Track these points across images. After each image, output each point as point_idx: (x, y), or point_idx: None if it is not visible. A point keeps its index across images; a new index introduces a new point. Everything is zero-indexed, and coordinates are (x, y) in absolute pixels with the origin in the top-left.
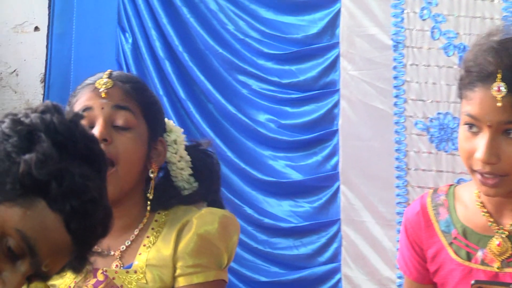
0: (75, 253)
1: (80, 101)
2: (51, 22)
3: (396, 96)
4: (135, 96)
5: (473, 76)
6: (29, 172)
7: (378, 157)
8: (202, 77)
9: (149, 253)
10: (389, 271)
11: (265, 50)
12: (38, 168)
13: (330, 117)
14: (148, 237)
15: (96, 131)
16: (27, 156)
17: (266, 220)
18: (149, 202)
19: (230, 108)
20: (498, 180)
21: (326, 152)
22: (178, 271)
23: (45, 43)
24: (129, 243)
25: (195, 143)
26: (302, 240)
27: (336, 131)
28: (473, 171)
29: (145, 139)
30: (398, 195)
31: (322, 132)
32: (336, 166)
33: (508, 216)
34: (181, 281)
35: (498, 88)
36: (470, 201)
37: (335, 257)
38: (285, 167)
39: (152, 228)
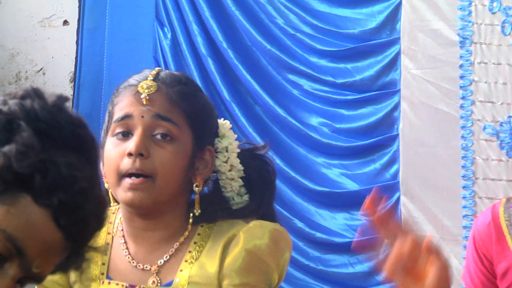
0: (69, 250)
1: (121, 105)
2: (82, 15)
3: (463, 98)
4: (181, 104)
5: None
6: (9, 165)
7: (443, 165)
8: (248, 77)
9: (191, 269)
10: None
11: (318, 46)
12: (19, 160)
13: (389, 120)
14: (190, 251)
15: (132, 144)
16: (6, 148)
17: (319, 235)
18: (191, 214)
19: (279, 110)
20: None
21: (385, 159)
22: None
23: (75, 39)
24: (168, 257)
25: (251, 147)
26: (358, 257)
27: (396, 136)
28: None
29: (188, 151)
30: (464, 207)
31: (381, 137)
32: (396, 175)
33: None
34: None
35: None
36: None
37: None
38: (339, 175)
39: (195, 242)
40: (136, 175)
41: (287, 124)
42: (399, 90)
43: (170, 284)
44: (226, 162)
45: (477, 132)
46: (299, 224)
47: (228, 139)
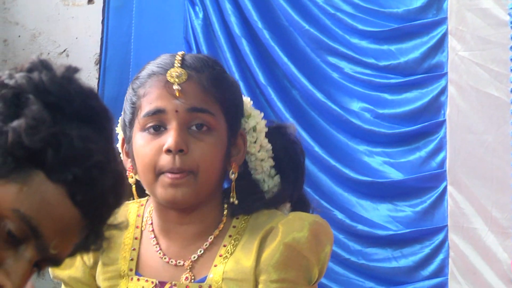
0: (87, 229)
1: (150, 99)
2: None
3: None
4: (214, 91)
5: None
6: (19, 141)
7: (492, 153)
8: (285, 59)
9: (226, 264)
10: (505, 287)
11: (360, 26)
12: (30, 135)
13: (436, 106)
14: (225, 245)
15: (170, 140)
16: (15, 123)
17: (360, 227)
18: (226, 206)
19: (318, 95)
20: None
21: (431, 147)
22: (260, 286)
23: (101, 18)
24: (202, 252)
25: (276, 126)
26: (402, 251)
27: (442, 122)
28: None
29: (225, 139)
30: None
31: (427, 123)
32: (442, 163)
33: None
34: None
35: None
36: None
37: (441, 271)
38: (382, 164)
39: (230, 236)
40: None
41: (326, 110)
42: (446, 73)
43: (203, 280)
44: (255, 142)
45: None
46: (340, 215)
47: (255, 118)
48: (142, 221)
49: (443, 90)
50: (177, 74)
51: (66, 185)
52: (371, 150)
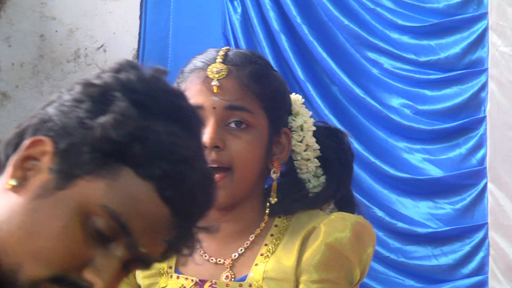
0: (177, 228)
1: (189, 94)
2: None
3: None
4: (254, 87)
5: None
6: (107, 135)
7: None
8: (324, 54)
9: (267, 263)
10: None
11: (400, 22)
12: (117, 129)
13: (476, 102)
14: (266, 244)
15: (206, 136)
16: (102, 119)
17: (400, 225)
18: (268, 205)
19: (358, 91)
20: None
21: (471, 143)
22: (301, 286)
23: (138, 13)
24: (243, 250)
25: (324, 126)
26: (442, 248)
27: (483, 119)
28: None
29: (264, 137)
30: None
31: (467, 119)
32: (483, 160)
33: None
34: None
35: None
36: None
37: (481, 269)
38: (422, 161)
39: (271, 235)
40: (213, 169)
41: (365, 106)
42: (486, 69)
43: (244, 279)
44: (301, 141)
45: None
46: (379, 213)
47: (303, 116)
48: None
49: (484, 86)
50: (217, 69)
51: (154, 181)
52: (410, 146)
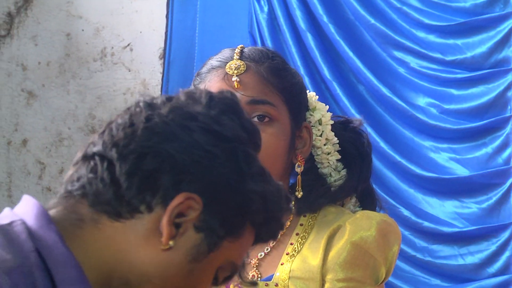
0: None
1: None
2: None
3: None
4: (274, 81)
5: None
6: (260, 208)
7: None
8: (350, 53)
9: (293, 263)
10: None
11: (426, 21)
12: (266, 201)
13: (502, 101)
14: (292, 244)
15: None
16: (254, 187)
17: (426, 224)
18: (293, 203)
19: (384, 90)
20: None
21: (497, 143)
22: (327, 285)
23: (165, 12)
24: (269, 250)
25: (343, 120)
26: (469, 248)
27: (509, 118)
28: None
29: (287, 130)
30: None
31: (493, 119)
32: (509, 159)
33: None
34: None
35: None
36: None
37: (507, 268)
38: (448, 160)
39: (297, 234)
40: None
41: (392, 105)
42: None
43: (270, 278)
44: (320, 135)
45: None
46: (405, 212)
47: (320, 111)
48: None
49: (510, 85)
50: (235, 65)
51: (256, 228)
52: (437, 146)
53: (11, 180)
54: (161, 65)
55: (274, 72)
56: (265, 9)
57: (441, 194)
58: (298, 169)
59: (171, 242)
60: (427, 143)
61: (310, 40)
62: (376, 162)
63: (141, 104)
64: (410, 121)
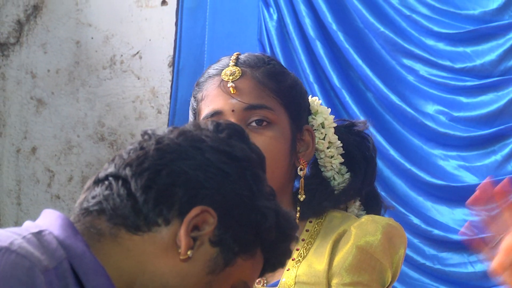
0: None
1: (207, 101)
2: None
3: None
4: (270, 85)
5: None
6: (273, 227)
7: None
8: (359, 61)
9: (298, 268)
10: None
11: (435, 28)
12: (280, 220)
13: (511, 109)
14: (297, 249)
15: None
16: (267, 205)
17: (436, 232)
18: (298, 209)
19: (393, 97)
20: None
21: (506, 150)
22: None
23: (174, 20)
24: None
25: (348, 123)
26: (479, 256)
27: None
28: None
29: (287, 133)
30: None
31: (502, 126)
32: None
33: None
34: None
35: None
36: None
37: None
38: (457, 168)
39: (303, 239)
40: None
41: (401, 112)
42: None
43: (276, 284)
44: (323, 139)
45: None
46: (415, 220)
47: (322, 114)
48: None
49: None
50: (231, 72)
51: (266, 253)
52: (446, 153)
53: (20, 188)
54: (170, 73)
55: (270, 76)
56: (274, 17)
57: (451, 202)
58: (301, 173)
59: (189, 253)
60: (436, 151)
61: (319, 48)
62: (385, 170)
63: (149, 132)
64: (419, 128)
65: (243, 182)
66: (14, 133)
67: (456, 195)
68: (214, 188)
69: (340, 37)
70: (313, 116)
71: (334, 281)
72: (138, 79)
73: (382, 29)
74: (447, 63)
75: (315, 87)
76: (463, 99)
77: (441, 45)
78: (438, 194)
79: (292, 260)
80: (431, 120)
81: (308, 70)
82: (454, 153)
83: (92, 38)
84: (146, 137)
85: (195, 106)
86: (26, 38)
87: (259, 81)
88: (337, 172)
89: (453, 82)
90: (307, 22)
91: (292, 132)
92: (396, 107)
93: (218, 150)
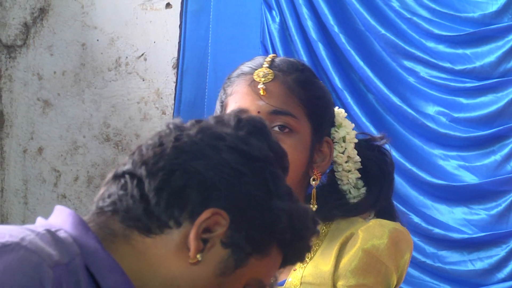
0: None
1: (236, 97)
2: None
3: None
4: (299, 93)
5: None
6: (287, 226)
7: None
8: (361, 63)
9: (305, 269)
10: None
11: (436, 31)
12: (294, 219)
13: (510, 110)
14: None
15: None
16: (281, 206)
17: (436, 230)
18: None
19: (394, 99)
20: None
21: (505, 151)
22: None
23: (178, 22)
24: None
25: (368, 138)
26: (478, 254)
27: None
28: None
29: (307, 143)
30: None
31: (502, 127)
32: None
33: None
34: None
35: None
36: None
37: None
38: (457, 168)
39: None
40: None
41: (402, 114)
42: None
43: (282, 283)
44: (343, 153)
45: None
46: (416, 219)
47: (345, 128)
48: None
49: None
50: (263, 73)
51: (283, 249)
52: (446, 153)
53: (27, 187)
54: (174, 75)
55: (300, 84)
56: (277, 19)
57: (451, 201)
58: (313, 183)
59: (198, 256)
60: (437, 151)
61: (321, 50)
62: None
63: (170, 126)
64: (419, 129)
65: (259, 182)
66: (21, 133)
67: (456, 195)
68: (228, 189)
69: (342, 39)
70: (336, 129)
71: (340, 283)
72: (143, 80)
73: (383, 31)
74: (447, 65)
75: None
76: (463, 100)
77: (441, 47)
78: (438, 194)
79: None
80: (432, 121)
81: None
82: (454, 153)
83: (97, 40)
84: (167, 131)
85: (223, 99)
86: (32, 40)
87: (289, 88)
88: (353, 187)
89: (453, 84)
90: (309, 24)
91: (311, 142)
92: (397, 108)
93: (235, 149)
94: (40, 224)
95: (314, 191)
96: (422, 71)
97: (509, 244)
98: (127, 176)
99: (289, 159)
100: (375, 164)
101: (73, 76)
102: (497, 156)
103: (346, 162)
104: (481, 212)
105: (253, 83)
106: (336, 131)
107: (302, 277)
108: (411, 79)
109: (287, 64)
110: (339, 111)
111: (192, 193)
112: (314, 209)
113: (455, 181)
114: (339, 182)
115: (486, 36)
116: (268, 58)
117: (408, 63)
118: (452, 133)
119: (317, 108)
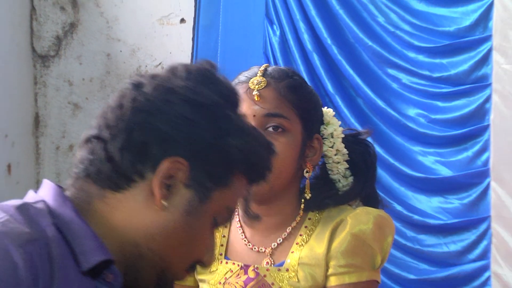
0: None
1: None
2: (197, 13)
3: None
4: (290, 97)
5: None
6: (242, 158)
7: None
8: (351, 71)
9: (301, 251)
10: None
11: (416, 43)
12: (248, 151)
13: (481, 112)
14: (301, 235)
15: None
16: (233, 142)
17: (415, 217)
18: (303, 201)
19: (380, 102)
20: None
21: (477, 147)
22: (330, 270)
23: (191, 36)
24: (281, 240)
25: (355, 133)
26: (452, 237)
27: (487, 126)
28: None
29: (298, 141)
30: None
31: (473, 127)
32: (487, 162)
33: None
34: (333, 280)
35: None
36: None
37: (485, 255)
38: (434, 163)
39: (306, 226)
40: None
41: (386, 115)
42: (490, 84)
43: (281, 264)
44: (332, 147)
45: None
46: (398, 207)
47: (333, 125)
48: None
49: (488, 99)
50: (257, 81)
51: (246, 174)
52: (425, 150)
53: (60, 180)
54: None
55: (291, 89)
56: (277, 33)
57: (428, 192)
58: (307, 175)
59: (164, 202)
60: (416, 148)
61: (316, 59)
62: None
63: (129, 85)
64: (402, 129)
65: (210, 126)
66: (54, 133)
67: (433, 186)
68: (183, 138)
69: (334, 50)
70: (325, 126)
71: (332, 263)
72: None
73: (370, 43)
74: (426, 72)
75: None
76: (440, 104)
77: (421, 57)
78: (418, 185)
79: (296, 244)
80: (412, 121)
81: (306, 78)
82: (431, 150)
83: (120, 51)
84: (126, 91)
85: None
86: (64, 51)
87: (280, 93)
88: (342, 176)
89: (431, 89)
90: (305, 37)
91: (303, 140)
92: (382, 111)
93: (187, 101)
94: (30, 196)
95: (307, 182)
96: (404, 78)
97: (479, 229)
98: (94, 140)
99: (282, 155)
100: (360, 155)
101: (99, 82)
102: (469, 153)
103: (335, 155)
104: (455, 201)
105: (248, 90)
106: (325, 128)
107: (299, 258)
108: (394, 85)
109: (278, 72)
110: (327, 111)
111: (152, 147)
112: (308, 197)
113: (433, 174)
114: (329, 172)
115: (461, 48)
116: (262, 68)
117: (392, 71)
118: (430, 132)
119: (307, 109)
